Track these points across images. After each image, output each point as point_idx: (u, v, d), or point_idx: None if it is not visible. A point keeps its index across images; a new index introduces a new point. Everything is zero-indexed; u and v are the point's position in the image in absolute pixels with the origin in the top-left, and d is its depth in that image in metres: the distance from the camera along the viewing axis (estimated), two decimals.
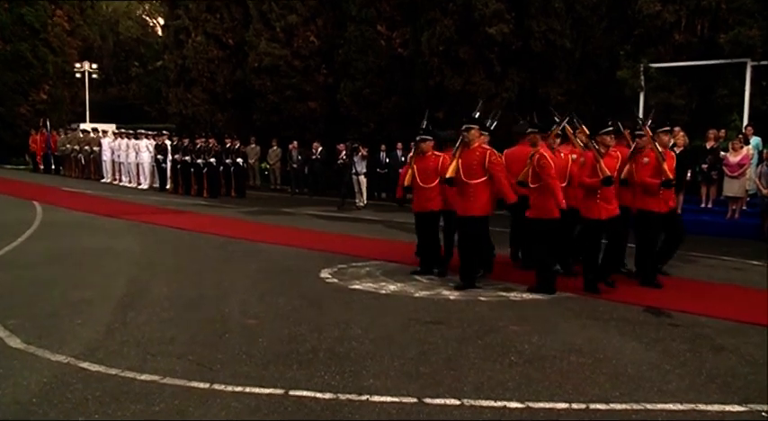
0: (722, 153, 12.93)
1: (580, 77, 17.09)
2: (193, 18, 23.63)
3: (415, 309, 6.41)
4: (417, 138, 7.98)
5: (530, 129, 7.52)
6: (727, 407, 4.14)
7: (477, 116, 7.53)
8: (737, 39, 13.58)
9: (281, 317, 6.02)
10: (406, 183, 8.05)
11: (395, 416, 3.93)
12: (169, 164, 19.17)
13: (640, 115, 14.26)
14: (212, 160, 18.02)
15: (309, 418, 3.90)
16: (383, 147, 18.49)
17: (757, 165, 12.55)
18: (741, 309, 6.59)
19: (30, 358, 4.82)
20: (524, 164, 7.22)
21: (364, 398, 4.17)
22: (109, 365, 4.65)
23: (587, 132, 7.35)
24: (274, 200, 17.88)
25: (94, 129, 23.73)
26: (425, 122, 8.08)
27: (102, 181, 21.86)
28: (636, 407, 4.11)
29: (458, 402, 4.12)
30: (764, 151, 12.58)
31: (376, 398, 4.15)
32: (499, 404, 4.11)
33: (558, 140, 7.72)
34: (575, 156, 7.58)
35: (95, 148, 22.64)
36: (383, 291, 7.15)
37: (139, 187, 20.23)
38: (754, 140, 13.16)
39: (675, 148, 9.10)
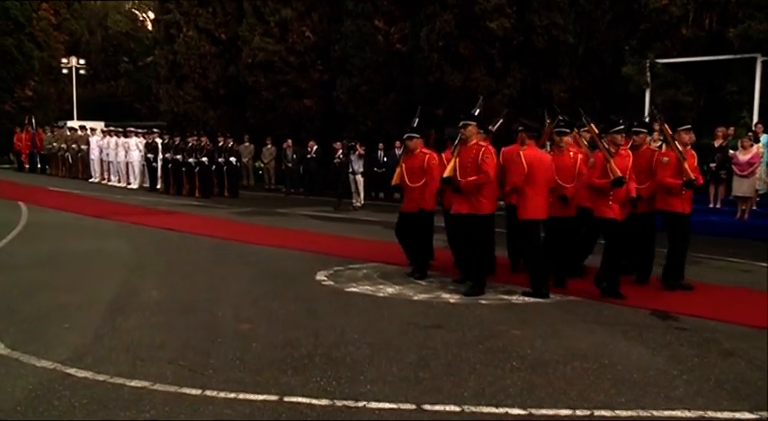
0: (731, 151, 12.95)
1: (583, 73, 17.13)
2: (185, 12, 23.58)
3: (414, 313, 6.41)
4: (404, 136, 8.16)
5: (519, 128, 7.60)
6: (737, 415, 4.14)
7: (476, 113, 7.53)
8: (747, 33, 13.61)
9: (276, 322, 6.01)
10: (393, 182, 8.21)
11: None
12: (160, 163, 19.14)
13: (645, 113, 14.35)
14: (204, 159, 18.00)
15: None
16: (381, 145, 18.52)
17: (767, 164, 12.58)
18: (751, 313, 6.59)
19: (14, 364, 4.81)
20: (543, 164, 7.24)
21: (361, 404, 4.16)
22: (97, 371, 4.64)
23: (596, 131, 7.32)
24: (268, 200, 17.88)
25: (82, 127, 23.70)
26: (416, 119, 8.22)
27: (91, 181, 21.83)
28: (642, 414, 4.11)
29: (458, 409, 4.12)
30: None
31: (373, 405, 4.15)
32: (501, 411, 4.11)
33: (549, 143, 7.81)
34: (581, 155, 7.58)
35: (83, 147, 22.63)
36: (381, 294, 7.15)
37: (129, 187, 20.21)
38: (765, 138, 13.17)
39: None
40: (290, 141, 19.96)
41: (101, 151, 21.62)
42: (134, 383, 4.44)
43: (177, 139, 18.88)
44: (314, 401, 4.18)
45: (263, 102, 21.65)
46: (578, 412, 4.11)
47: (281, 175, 20.54)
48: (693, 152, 7.68)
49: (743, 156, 12.62)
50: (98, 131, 22.92)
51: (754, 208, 12.91)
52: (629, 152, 7.27)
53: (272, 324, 5.94)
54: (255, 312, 6.35)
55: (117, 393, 4.28)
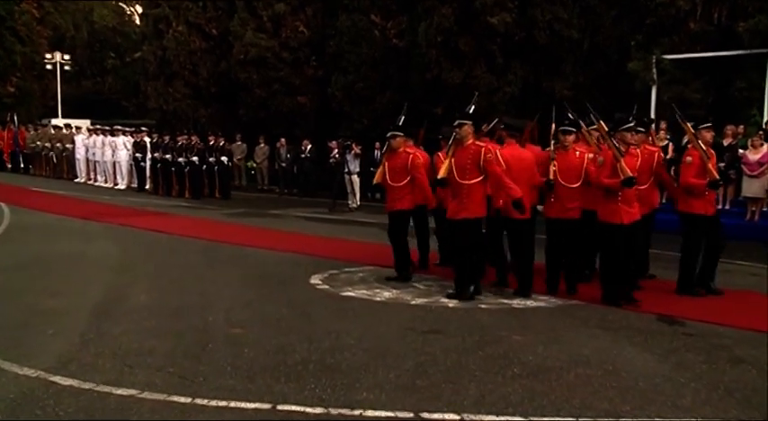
0: (741, 150, 12.97)
1: (588, 70, 17.13)
2: (174, 6, 23.61)
3: (412, 318, 6.42)
4: (388, 134, 8.19)
5: (501, 127, 7.70)
6: None
7: (471, 111, 7.52)
8: (757, 27, 13.62)
9: (269, 327, 6.02)
10: (375, 181, 8.31)
11: None
12: (148, 162, 19.15)
13: (652, 110, 14.38)
14: (195, 159, 17.99)
15: None
16: (377, 144, 18.41)
17: None
18: (761, 318, 6.59)
19: None
20: (523, 163, 7.35)
21: (357, 412, 4.17)
22: (83, 379, 4.63)
23: (606, 128, 7.31)
24: (261, 201, 17.89)
25: (67, 125, 23.70)
26: (401, 117, 8.27)
27: (76, 181, 21.82)
28: None
29: (457, 417, 4.13)
30: None
31: (370, 413, 4.16)
32: (501, 419, 4.12)
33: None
34: (591, 155, 7.57)
35: (68, 146, 22.60)
36: (377, 299, 7.16)
37: (116, 187, 20.20)
38: None
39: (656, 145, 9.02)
40: (283, 140, 19.94)
41: (87, 150, 21.58)
42: (121, 391, 4.43)
43: (166, 138, 18.89)
44: (308, 409, 4.19)
45: (256, 99, 21.66)
46: (581, 420, 4.12)
47: (275, 175, 20.54)
48: (713, 151, 7.68)
49: (753, 156, 12.63)
50: (84, 130, 22.87)
51: (765, 209, 12.92)
52: (639, 152, 7.28)
53: (264, 329, 5.94)
54: (248, 317, 6.35)
55: (104, 402, 4.28)
